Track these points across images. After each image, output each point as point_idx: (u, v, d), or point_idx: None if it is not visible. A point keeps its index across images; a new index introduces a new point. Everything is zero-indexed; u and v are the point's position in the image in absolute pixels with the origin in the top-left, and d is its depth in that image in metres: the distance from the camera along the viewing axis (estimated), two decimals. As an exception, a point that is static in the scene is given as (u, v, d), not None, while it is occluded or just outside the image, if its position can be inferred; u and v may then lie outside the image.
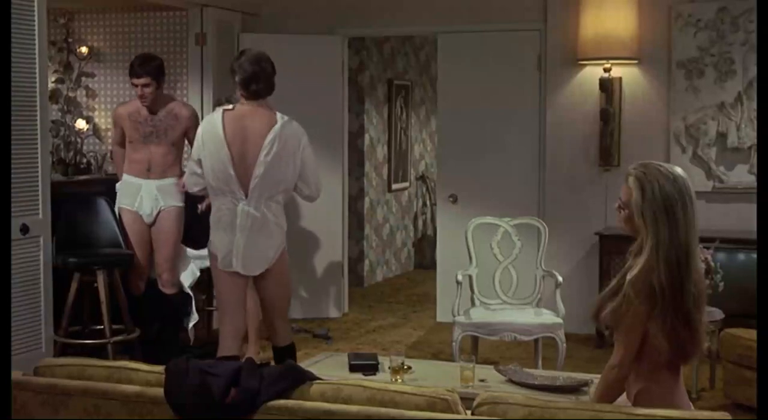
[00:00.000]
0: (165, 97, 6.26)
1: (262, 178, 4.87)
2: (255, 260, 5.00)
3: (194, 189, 5.10)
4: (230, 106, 5.02)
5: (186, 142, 6.27)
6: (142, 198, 6.21)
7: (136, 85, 6.07)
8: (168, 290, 6.29)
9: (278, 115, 4.96)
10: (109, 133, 7.45)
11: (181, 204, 6.27)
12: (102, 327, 5.90)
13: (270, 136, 4.86)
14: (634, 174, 3.07)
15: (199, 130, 5.05)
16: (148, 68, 6.06)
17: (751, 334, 5.37)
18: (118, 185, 6.31)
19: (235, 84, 4.98)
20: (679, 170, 3.06)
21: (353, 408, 2.87)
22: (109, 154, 7.35)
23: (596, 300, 3.18)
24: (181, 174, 6.25)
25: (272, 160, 4.87)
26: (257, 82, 4.91)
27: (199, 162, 4.96)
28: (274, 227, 5.00)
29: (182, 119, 6.20)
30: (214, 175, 4.91)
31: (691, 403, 3.16)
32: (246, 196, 4.90)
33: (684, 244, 2.98)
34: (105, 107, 7.79)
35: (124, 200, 6.24)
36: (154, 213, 6.23)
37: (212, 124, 4.94)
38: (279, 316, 5.19)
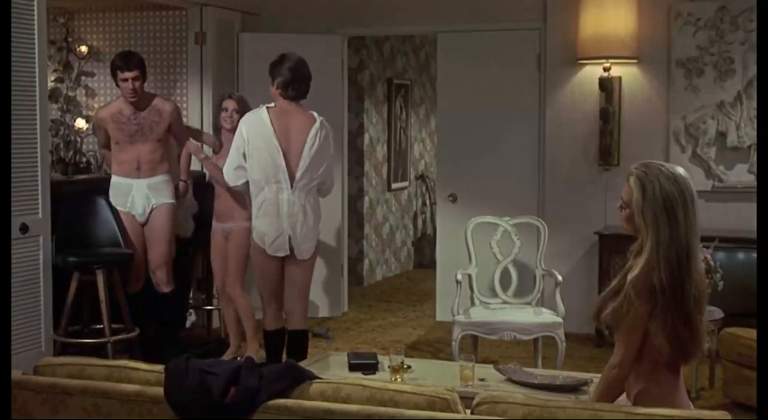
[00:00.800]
0: (147, 94, 6.24)
1: (306, 169, 5.33)
2: (304, 244, 5.42)
3: (239, 182, 5.46)
4: (272, 104, 5.41)
5: (171, 137, 6.33)
6: (134, 198, 6.19)
7: (126, 80, 6.03)
8: (163, 288, 6.28)
9: (314, 114, 5.43)
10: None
11: (173, 201, 6.27)
12: (102, 326, 5.89)
13: (312, 131, 5.34)
14: (636, 173, 3.07)
15: (242, 127, 5.38)
16: (136, 61, 6.08)
17: (751, 333, 5.37)
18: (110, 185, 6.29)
19: (274, 84, 5.40)
20: (680, 170, 3.06)
21: (353, 407, 2.86)
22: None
23: (597, 300, 3.17)
24: (170, 170, 6.29)
25: (315, 153, 5.34)
26: (298, 85, 5.38)
27: (243, 156, 5.33)
28: (314, 216, 5.45)
29: (165, 114, 6.20)
30: (261, 167, 5.31)
31: (691, 403, 3.15)
32: (291, 186, 5.33)
33: (685, 244, 2.97)
34: (104, 106, 7.79)
35: (115, 201, 6.21)
36: (147, 211, 6.22)
37: (259, 119, 5.35)
38: (300, 301, 5.53)
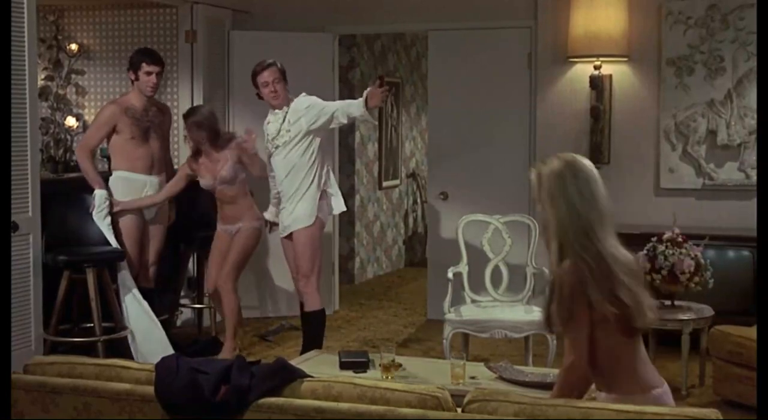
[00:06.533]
0: None
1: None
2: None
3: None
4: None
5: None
6: (148, 194, 6.27)
7: (150, 73, 6.14)
8: (148, 284, 6.38)
9: None
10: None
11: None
12: (92, 325, 5.88)
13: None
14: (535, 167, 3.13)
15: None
16: (160, 57, 6.30)
17: (741, 331, 5.38)
18: (112, 181, 6.27)
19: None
20: (577, 156, 3.10)
21: (344, 405, 2.86)
22: (98, 153, 7.21)
23: (543, 310, 3.14)
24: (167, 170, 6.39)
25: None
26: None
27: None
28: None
29: (166, 112, 6.41)
30: None
31: (663, 380, 3.11)
32: None
33: (585, 218, 2.98)
34: (95, 104, 7.77)
35: (125, 197, 6.23)
36: (155, 209, 6.30)
37: None
38: (302, 278, 6.00)
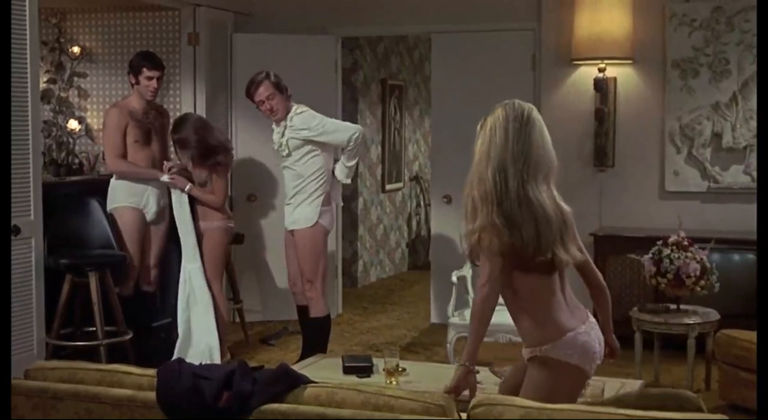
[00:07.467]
0: None
1: None
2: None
3: None
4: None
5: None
6: (149, 197, 6.24)
7: (151, 78, 6.15)
8: (150, 287, 6.40)
9: None
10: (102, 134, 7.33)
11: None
12: (94, 329, 5.86)
13: None
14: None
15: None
16: (160, 61, 6.29)
17: (747, 335, 5.34)
18: (113, 184, 6.26)
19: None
20: (521, 103, 3.52)
21: (347, 412, 2.84)
22: (101, 156, 7.21)
23: (464, 241, 3.42)
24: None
25: None
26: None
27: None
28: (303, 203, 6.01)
29: (165, 115, 6.41)
30: None
31: (584, 318, 3.39)
32: None
33: (515, 158, 3.33)
34: (97, 107, 7.74)
35: (129, 199, 6.22)
36: (156, 210, 6.30)
37: None
38: (306, 283, 6.05)
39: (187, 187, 6.03)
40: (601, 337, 3.45)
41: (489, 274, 3.31)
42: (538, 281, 3.34)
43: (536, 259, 3.28)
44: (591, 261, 3.54)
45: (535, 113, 3.47)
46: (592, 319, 3.46)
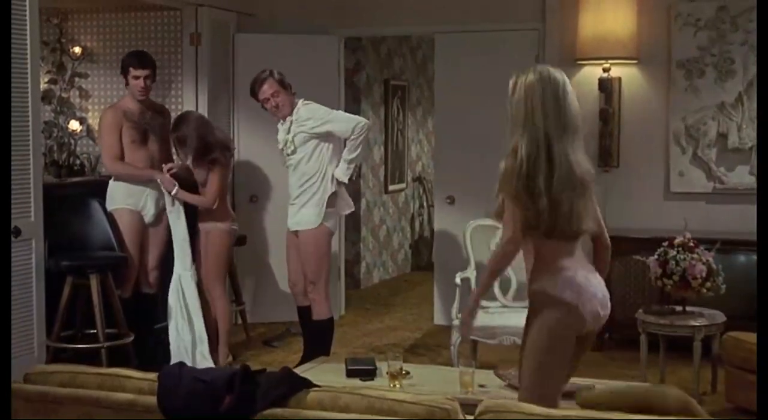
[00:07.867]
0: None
1: None
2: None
3: None
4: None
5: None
6: (147, 198, 6.19)
7: (138, 78, 6.08)
8: (150, 289, 6.35)
9: None
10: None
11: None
12: (95, 331, 5.82)
13: None
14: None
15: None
16: (149, 60, 6.20)
17: (754, 337, 5.29)
18: (111, 185, 6.22)
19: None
20: (549, 69, 3.48)
21: (351, 416, 2.81)
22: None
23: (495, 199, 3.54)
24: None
25: None
26: None
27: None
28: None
29: (166, 114, 6.35)
30: None
31: (599, 283, 3.55)
32: None
33: (543, 131, 3.38)
34: (98, 108, 7.71)
35: (127, 200, 6.18)
36: (155, 211, 6.24)
37: None
38: (309, 284, 6.05)
39: (174, 190, 5.98)
40: (606, 292, 3.59)
41: (512, 236, 3.48)
42: (558, 245, 3.51)
43: (564, 231, 3.46)
44: (603, 224, 3.75)
45: (565, 76, 3.53)
46: (600, 277, 3.64)
